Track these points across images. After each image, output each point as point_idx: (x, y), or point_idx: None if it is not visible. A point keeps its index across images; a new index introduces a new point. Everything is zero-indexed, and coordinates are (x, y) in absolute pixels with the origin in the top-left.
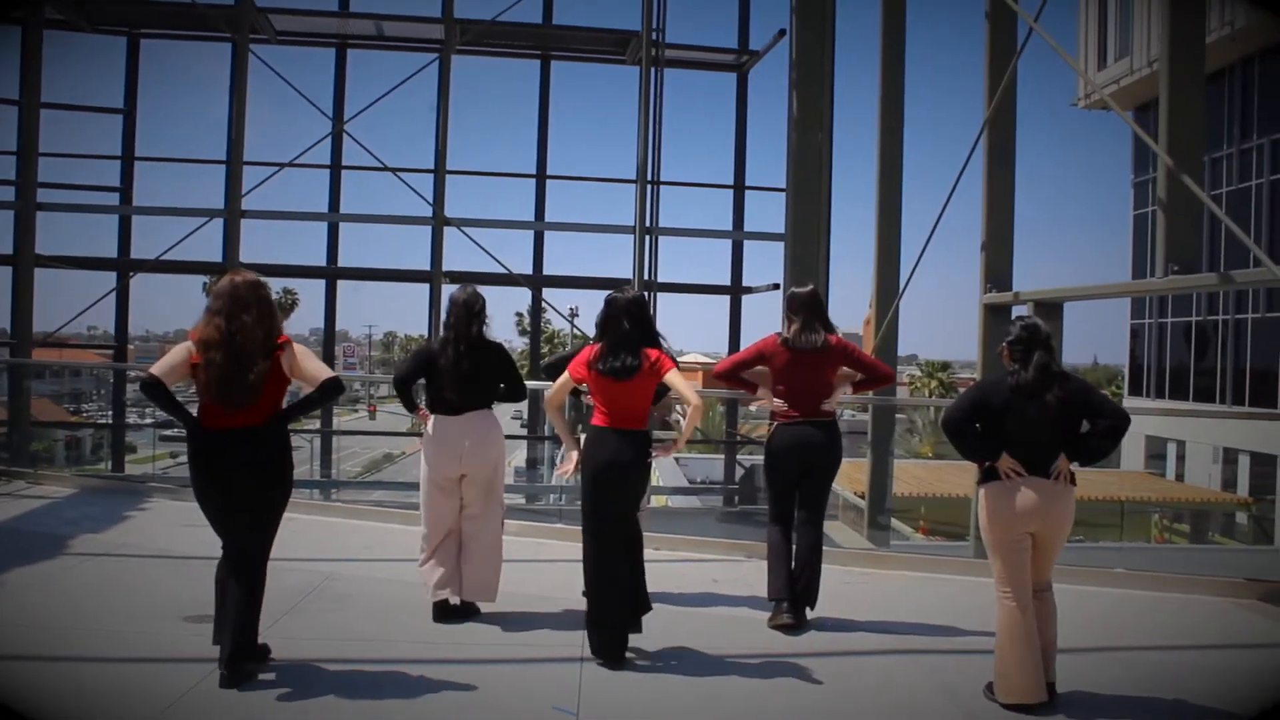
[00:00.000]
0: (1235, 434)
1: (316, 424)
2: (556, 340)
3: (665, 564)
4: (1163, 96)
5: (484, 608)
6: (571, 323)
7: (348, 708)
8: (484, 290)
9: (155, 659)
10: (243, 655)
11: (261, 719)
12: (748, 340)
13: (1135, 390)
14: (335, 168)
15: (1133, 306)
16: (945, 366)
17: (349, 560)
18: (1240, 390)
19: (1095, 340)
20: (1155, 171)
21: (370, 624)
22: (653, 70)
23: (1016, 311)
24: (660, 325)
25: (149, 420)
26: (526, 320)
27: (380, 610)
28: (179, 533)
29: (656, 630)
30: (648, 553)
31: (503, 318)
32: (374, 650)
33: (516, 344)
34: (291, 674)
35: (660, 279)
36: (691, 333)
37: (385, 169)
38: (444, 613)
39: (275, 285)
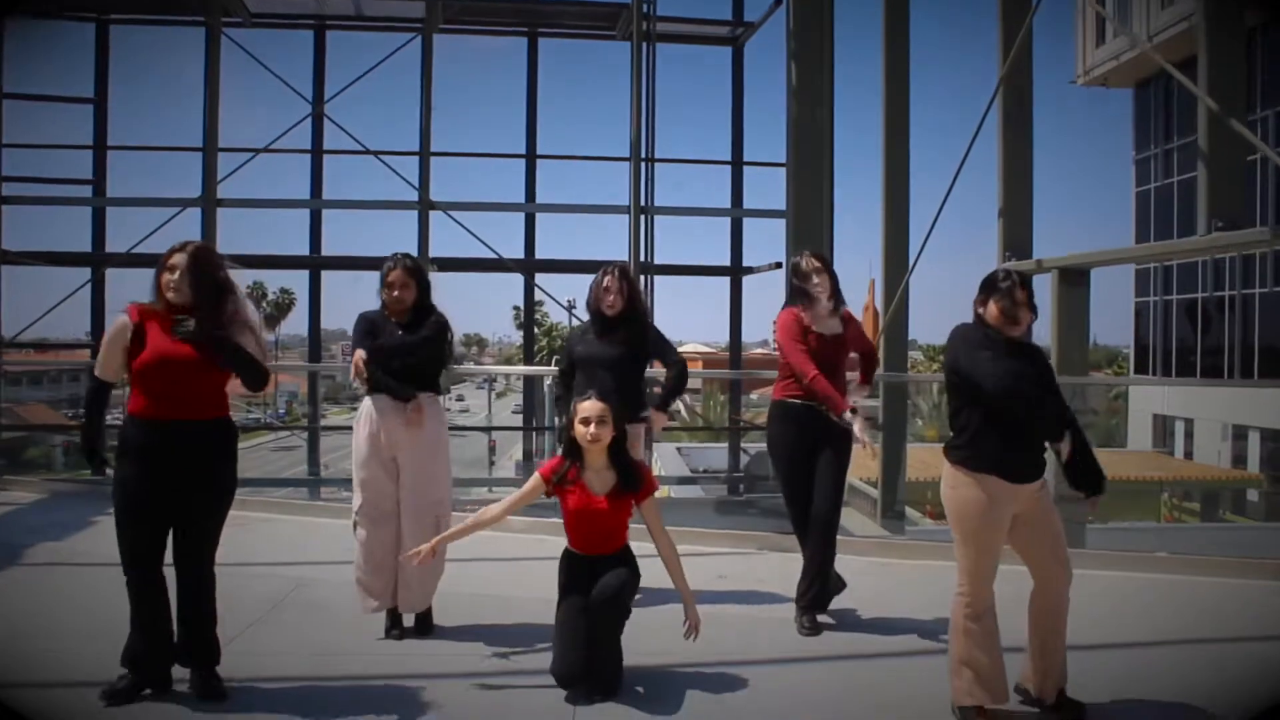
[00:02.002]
0: (1244, 410)
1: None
2: (555, 333)
3: None
4: (1201, 45)
5: (472, 615)
6: (570, 312)
7: None
8: (475, 277)
9: (84, 682)
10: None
11: None
12: (750, 322)
13: (1141, 369)
14: (316, 152)
15: (1136, 284)
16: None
17: (325, 564)
18: (1249, 366)
19: (1096, 320)
20: (1155, 148)
21: (342, 635)
22: (644, 45)
23: (1039, 281)
24: (657, 310)
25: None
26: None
27: (350, 620)
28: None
29: (660, 634)
30: (649, 549)
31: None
32: (342, 666)
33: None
34: (248, 695)
35: (657, 260)
36: (690, 316)
37: (367, 152)
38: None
39: (269, 283)
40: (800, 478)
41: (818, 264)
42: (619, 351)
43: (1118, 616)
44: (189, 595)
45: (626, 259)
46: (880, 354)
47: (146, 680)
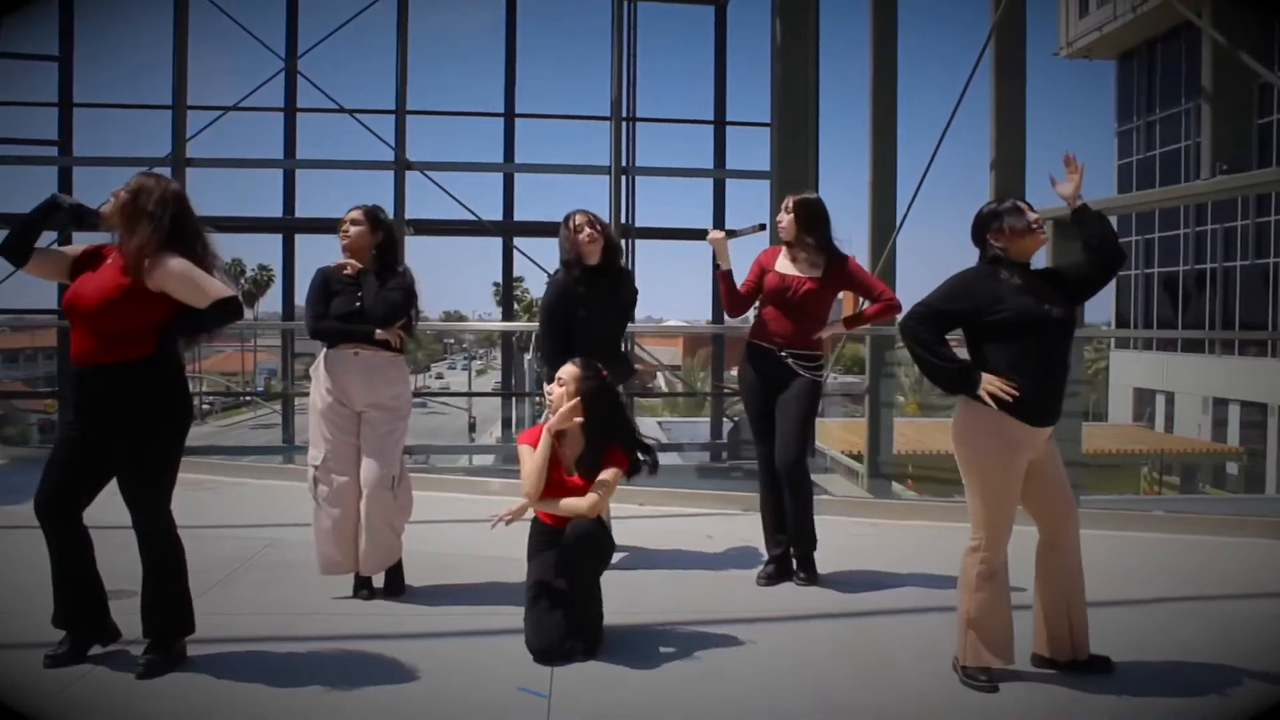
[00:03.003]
0: (1225, 383)
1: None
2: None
3: (654, 519)
4: None
5: (444, 575)
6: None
7: (273, 695)
8: (452, 246)
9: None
10: (165, 640)
11: (166, 709)
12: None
13: (1121, 344)
14: (289, 111)
15: None
16: None
17: (295, 525)
18: (1229, 339)
19: None
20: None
21: (308, 595)
22: (625, 4)
23: None
24: (639, 276)
25: None
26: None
27: (321, 580)
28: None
29: (645, 595)
30: (633, 509)
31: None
32: (307, 626)
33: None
34: (212, 656)
35: (639, 223)
36: (671, 282)
37: (342, 110)
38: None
39: (246, 258)
40: (764, 417)
41: (789, 204)
42: (612, 310)
43: (1119, 576)
44: (143, 557)
45: (608, 219)
46: None
47: (85, 639)
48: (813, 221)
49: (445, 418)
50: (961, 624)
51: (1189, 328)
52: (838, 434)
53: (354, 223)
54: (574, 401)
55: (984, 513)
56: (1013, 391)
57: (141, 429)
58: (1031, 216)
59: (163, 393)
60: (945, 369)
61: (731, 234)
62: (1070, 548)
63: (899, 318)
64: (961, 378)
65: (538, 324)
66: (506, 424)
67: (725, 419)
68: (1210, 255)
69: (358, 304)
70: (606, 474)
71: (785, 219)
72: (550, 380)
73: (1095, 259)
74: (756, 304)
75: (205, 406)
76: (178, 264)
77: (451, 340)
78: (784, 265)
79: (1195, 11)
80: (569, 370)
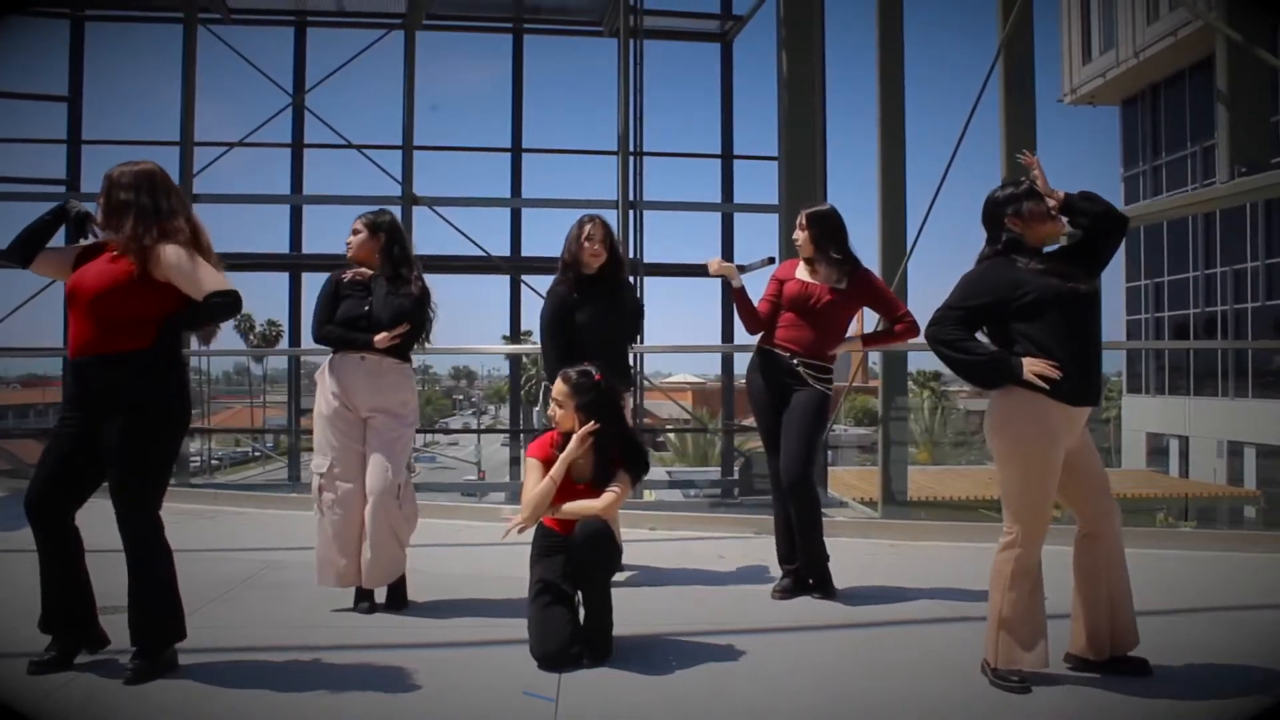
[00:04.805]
0: (1240, 427)
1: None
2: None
3: (665, 542)
4: None
5: (448, 592)
6: None
7: (268, 700)
8: (460, 287)
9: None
10: (154, 646)
11: (155, 715)
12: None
13: (1134, 388)
14: (296, 146)
15: (1128, 302)
16: (937, 376)
17: (295, 548)
18: (1243, 382)
19: None
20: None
21: (308, 611)
22: (631, 42)
23: None
24: (646, 312)
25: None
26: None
27: (321, 597)
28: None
29: (655, 608)
30: (643, 533)
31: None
32: (305, 638)
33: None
34: (205, 665)
35: (646, 259)
36: (680, 319)
37: (350, 146)
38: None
39: (247, 291)
40: (772, 426)
41: (802, 220)
42: (612, 313)
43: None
44: (129, 560)
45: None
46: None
47: (72, 644)
48: (829, 232)
49: (454, 471)
50: (992, 623)
51: (1200, 373)
52: (850, 482)
53: (354, 232)
54: (585, 430)
55: (1020, 506)
56: (1054, 373)
57: (137, 424)
58: (1051, 202)
59: (160, 389)
60: (980, 362)
61: (741, 269)
62: (1112, 536)
63: (924, 331)
64: (999, 367)
65: (539, 337)
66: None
67: (736, 453)
68: (1220, 298)
69: (366, 309)
70: (619, 480)
71: (801, 235)
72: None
73: (1098, 230)
74: None
75: (214, 462)
76: (173, 252)
77: (460, 397)
78: (804, 274)
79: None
80: (559, 388)
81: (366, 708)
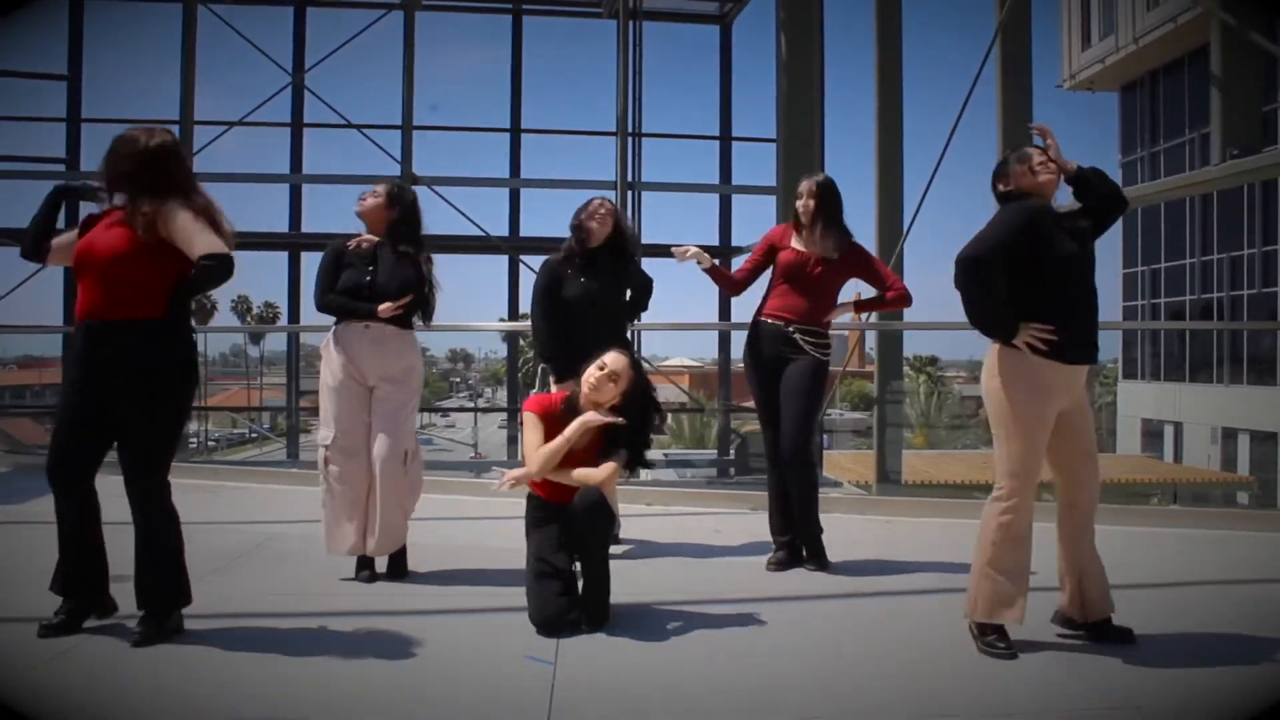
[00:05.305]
0: (1234, 413)
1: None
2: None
3: (661, 517)
4: None
5: (448, 562)
6: None
7: (272, 663)
8: (460, 259)
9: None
10: (161, 610)
11: (162, 676)
12: (739, 307)
13: (1130, 374)
14: (296, 126)
15: (1124, 288)
16: (933, 360)
17: (297, 521)
18: (1238, 369)
19: None
20: (1141, 151)
21: (309, 579)
22: (631, 24)
23: None
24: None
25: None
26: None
27: (323, 567)
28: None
29: (651, 578)
30: (641, 508)
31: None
32: (306, 605)
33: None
34: (210, 630)
35: (644, 240)
36: (678, 300)
37: (349, 125)
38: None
39: (246, 269)
40: (769, 398)
41: (811, 188)
42: (609, 289)
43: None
44: (137, 525)
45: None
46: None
47: (82, 608)
48: (834, 203)
49: (451, 454)
50: (975, 575)
51: (1196, 358)
52: (845, 465)
53: (374, 194)
54: (608, 420)
55: (1012, 459)
56: (1050, 338)
57: (146, 391)
58: (1048, 141)
59: (170, 358)
60: (995, 317)
61: (738, 250)
62: (1086, 504)
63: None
64: (998, 322)
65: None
66: (512, 440)
67: (733, 434)
68: (1217, 285)
69: (368, 278)
70: (616, 456)
71: (810, 204)
72: (551, 367)
73: (1100, 209)
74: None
75: (211, 444)
76: (174, 213)
77: (458, 379)
78: (799, 244)
79: None
80: (620, 361)
81: (370, 670)
